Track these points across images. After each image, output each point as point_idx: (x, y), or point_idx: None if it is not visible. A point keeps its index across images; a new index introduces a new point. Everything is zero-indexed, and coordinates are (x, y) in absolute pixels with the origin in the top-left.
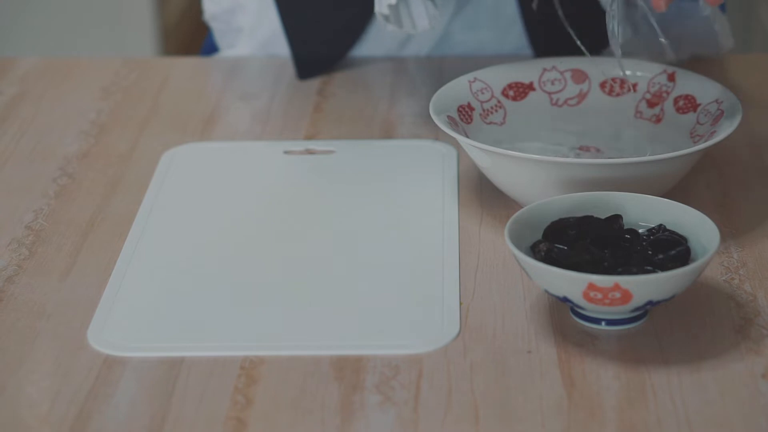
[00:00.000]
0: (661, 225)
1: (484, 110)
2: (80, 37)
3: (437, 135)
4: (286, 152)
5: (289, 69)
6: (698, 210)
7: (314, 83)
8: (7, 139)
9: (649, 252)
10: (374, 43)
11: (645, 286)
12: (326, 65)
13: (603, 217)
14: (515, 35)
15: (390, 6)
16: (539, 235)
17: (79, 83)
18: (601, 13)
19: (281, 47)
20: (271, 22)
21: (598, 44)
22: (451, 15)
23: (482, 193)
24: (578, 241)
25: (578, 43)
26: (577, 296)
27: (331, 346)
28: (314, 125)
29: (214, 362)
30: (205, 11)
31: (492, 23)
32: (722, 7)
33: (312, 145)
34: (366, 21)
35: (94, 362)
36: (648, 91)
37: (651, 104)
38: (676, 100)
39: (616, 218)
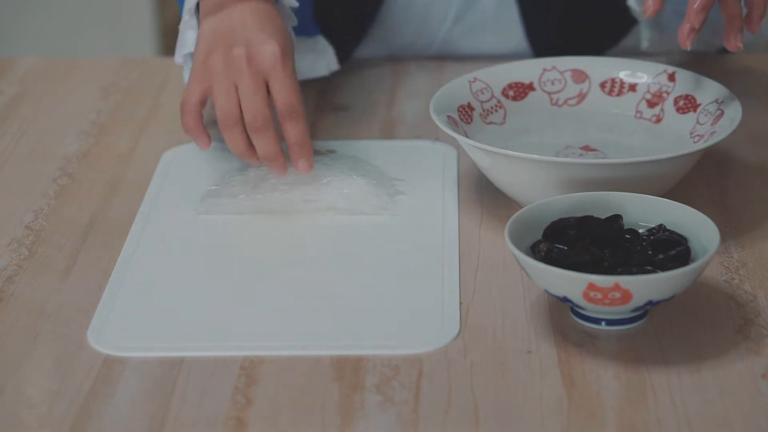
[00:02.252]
0: (661, 225)
1: (484, 110)
2: (80, 38)
3: (437, 135)
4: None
5: None
6: (698, 210)
7: (314, 83)
8: (7, 139)
9: (649, 252)
10: (376, 46)
11: (645, 286)
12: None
13: (603, 217)
14: (516, 40)
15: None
16: (539, 235)
17: (79, 83)
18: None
19: None
20: None
21: (601, 44)
22: (452, 22)
23: (482, 193)
24: (578, 241)
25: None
26: (577, 296)
27: (331, 346)
28: (314, 125)
29: (214, 362)
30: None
31: (493, 29)
32: None
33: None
34: (366, 30)
35: (94, 362)
36: (648, 91)
37: (651, 104)
38: (676, 100)
39: (616, 218)
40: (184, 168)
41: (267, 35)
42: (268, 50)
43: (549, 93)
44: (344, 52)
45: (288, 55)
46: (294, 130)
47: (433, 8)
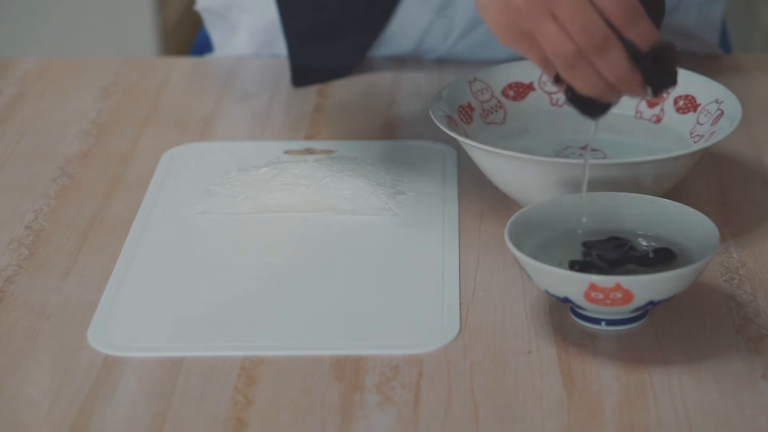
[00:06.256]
0: (662, 240)
1: (484, 110)
2: (80, 37)
3: (437, 135)
4: (286, 152)
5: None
6: (698, 210)
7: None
8: (7, 139)
9: (651, 256)
10: (377, 50)
11: (646, 286)
12: (324, 78)
13: (601, 216)
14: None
15: None
16: (539, 235)
17: (79, 83)
18: None
19: (278, 45)
20: (270, 21)
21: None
22: (456, 39)
23: (482, 193)
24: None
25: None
26: (578, 297)
27: (331, 346)
28: (314, 125)
29: (214, 362)
30: (198, 1)
31: (498, 45)
32: None
33: (312, 145)
34: (369, 46)
35: (94, 362)
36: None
37: (651, 104)
38: (676, 100)
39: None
40: (184, 168)
41: None
42: None
43: (549, 93)
44: (343, 68)
45: None
46: (645, 33)
47: (436, 25)
